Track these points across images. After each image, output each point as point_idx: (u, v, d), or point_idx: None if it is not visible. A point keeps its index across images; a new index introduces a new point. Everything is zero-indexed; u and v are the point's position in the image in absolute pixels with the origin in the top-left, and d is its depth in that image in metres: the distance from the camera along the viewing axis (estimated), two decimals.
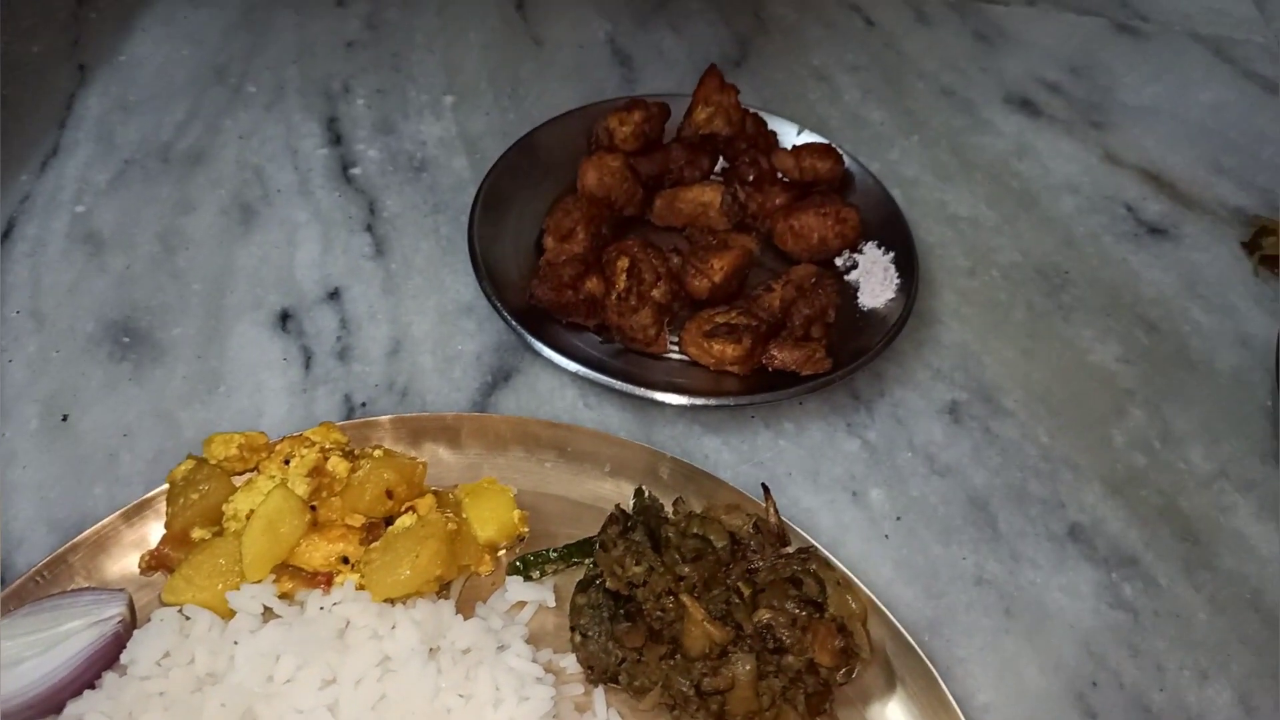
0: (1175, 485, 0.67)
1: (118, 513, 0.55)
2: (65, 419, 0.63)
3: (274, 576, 0.52)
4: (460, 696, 0.49)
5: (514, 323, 0.67)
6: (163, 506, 0.56)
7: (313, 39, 0.90)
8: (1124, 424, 0.70)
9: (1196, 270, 0.80)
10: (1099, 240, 0.82)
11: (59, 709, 0.48)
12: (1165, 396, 0.71)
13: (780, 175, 0.78)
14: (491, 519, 0.57)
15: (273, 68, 0.87)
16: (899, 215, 0.77)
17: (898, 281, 0.73)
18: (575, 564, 0.57)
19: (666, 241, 0.76)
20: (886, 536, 0.62)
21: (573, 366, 0.65)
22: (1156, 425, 0.70)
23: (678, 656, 0.52)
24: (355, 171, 0.80)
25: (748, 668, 0.51)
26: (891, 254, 0.75)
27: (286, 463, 0.56)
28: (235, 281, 0.71)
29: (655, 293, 0.67)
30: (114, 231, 0.73)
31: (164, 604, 0.51)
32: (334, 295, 0.71)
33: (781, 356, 0.66)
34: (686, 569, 0.52)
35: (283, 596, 0.52)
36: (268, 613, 0.51)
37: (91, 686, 0.48)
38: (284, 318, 0.70)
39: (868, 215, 0.76)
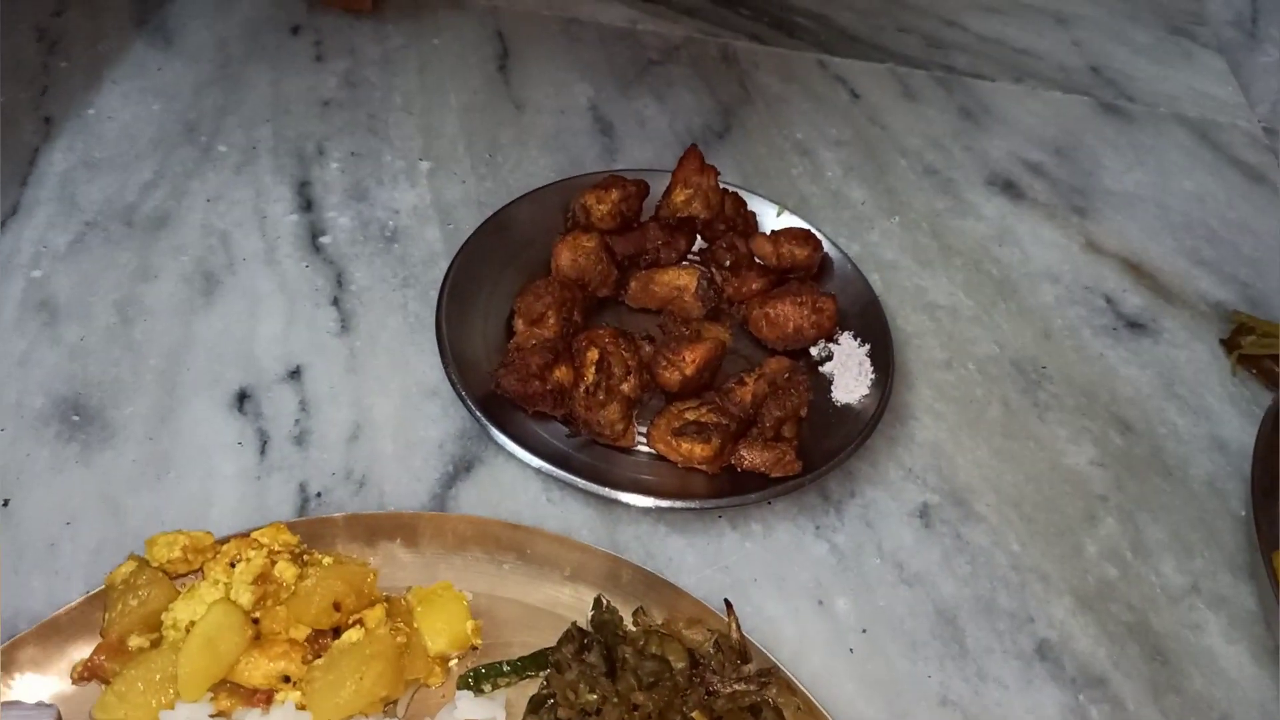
0: (1146, 600, 0.65)
1: (51, 615, 0.53)
2: (6, 504, 0.61)
3: (211, 694, 0.50)
4: None
5: (478, 413, 0.65)
6: (96, 611, 0.53)
7: (288, 96, 0.88)
8: (1096, 532, 0.68)
9: (1174, 368, 0.79)
10: (1078, 334, 0.81)
11: None
12: (1139, 503, 0.70)
13: (758, 260, 0.77)
14: (444, 629, 0.55)
15: (245, 126, 0.85)
16: (877, 305, 0.76)
17: (873, 376, 0.72)
18: (529, 677, 0.55)
19: (640, 323, 0.74)
20: (851, 650, 0.61)
21: (536, 462, 0.63)
22: (1129, 534, 0.69)
23: None
24: (325, 240, 0.78)
25: None
26: (868, 346, 0.74)
27: (232, 565, 0.54)
28: (193, 356, 0.69)
29: (624, 387, 0.66)
30: (70, 299, 0.71)
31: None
32: (295, 374, 0.69)
33: (751, 458, 0.65)
34: (641, 697, 0.51)
35: (219, 715, 0.50)
36: None
37: None
38: (241, 397, 0.68)
39: (845, 304, 0.75)
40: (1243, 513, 0.70)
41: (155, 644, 0.52)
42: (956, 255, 0.86)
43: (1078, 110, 1.02)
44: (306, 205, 0.80)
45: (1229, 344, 0.82)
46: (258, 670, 0.50)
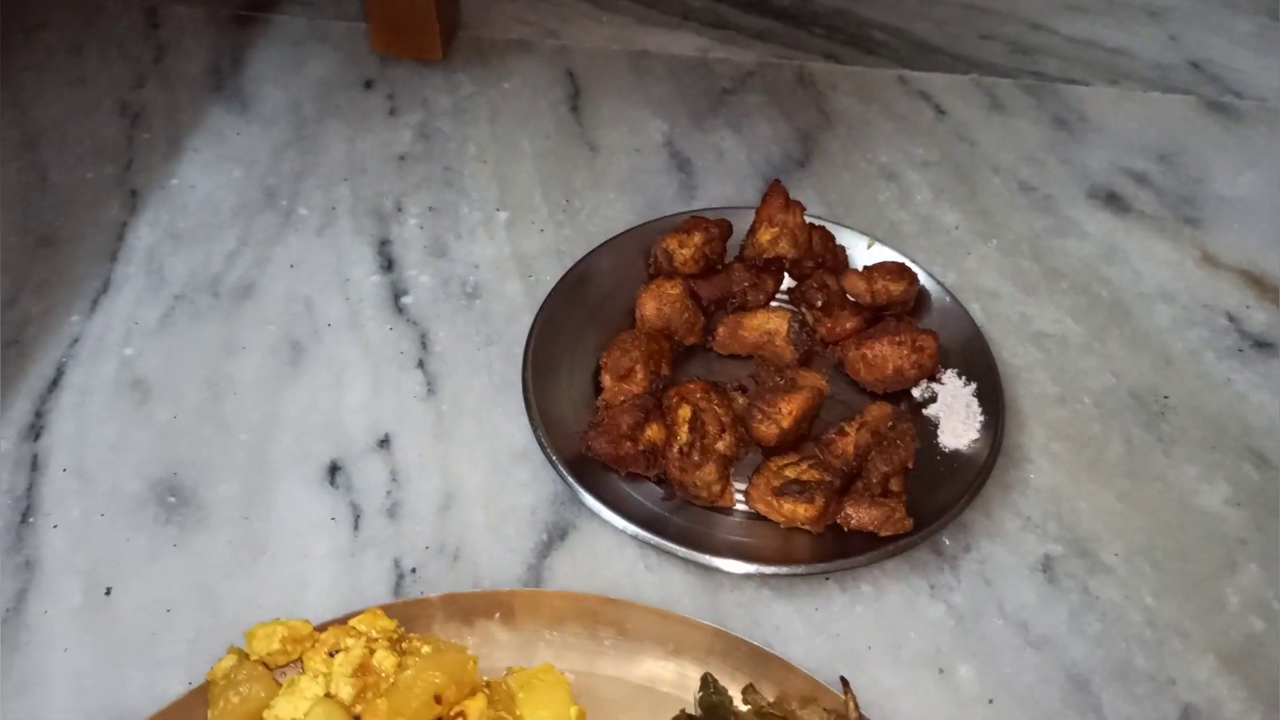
0: None
1: (157, 712, 0.53)
2: (108, 592, 0.61)
3: None
4: None
5: (569, 478, 0.63)
6: (198, 707, 0.53)
7: (364, 154, 0.88)
8: (1238, 581, 0.63)
9: None
10: (1200, 358, 0.76)
11: None
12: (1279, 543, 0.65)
13: (851, 298, 0.74)
14: (549, 714, 0.53)
15: (324, 187, 0.85)
16: (980, 338, 0.72)
17: (981, 418, 0.68)
18: None
19: (730, 370, 0.72)
20: None
21: (631, 529, 0.61)
22: (1275, 581, 0.63)
23: None
24: (407, 300, 0.77)
25: None
26: (973, 385, 0.70)
27: (331, 655, 0.53)
28: (282, 430, 0.69)
29: (720, 445, 0.63)
30: (161, 377, 0.72)
31: None
32: (384, 443, 0.68)
33: (858, 516, 0.61)
34: None
35: None
36: None
37: None
38: (332, 470, 0.67)
39: (946, 340, 0.71)
40: None
41: None
42: (1062, 278, 0.81)
43: (1180, 111, 0.96)
44: (387, 265, 0.80)
45: None
46: None
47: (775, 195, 0.75)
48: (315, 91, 0.94)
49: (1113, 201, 0.87)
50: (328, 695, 0.50)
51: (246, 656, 0.54)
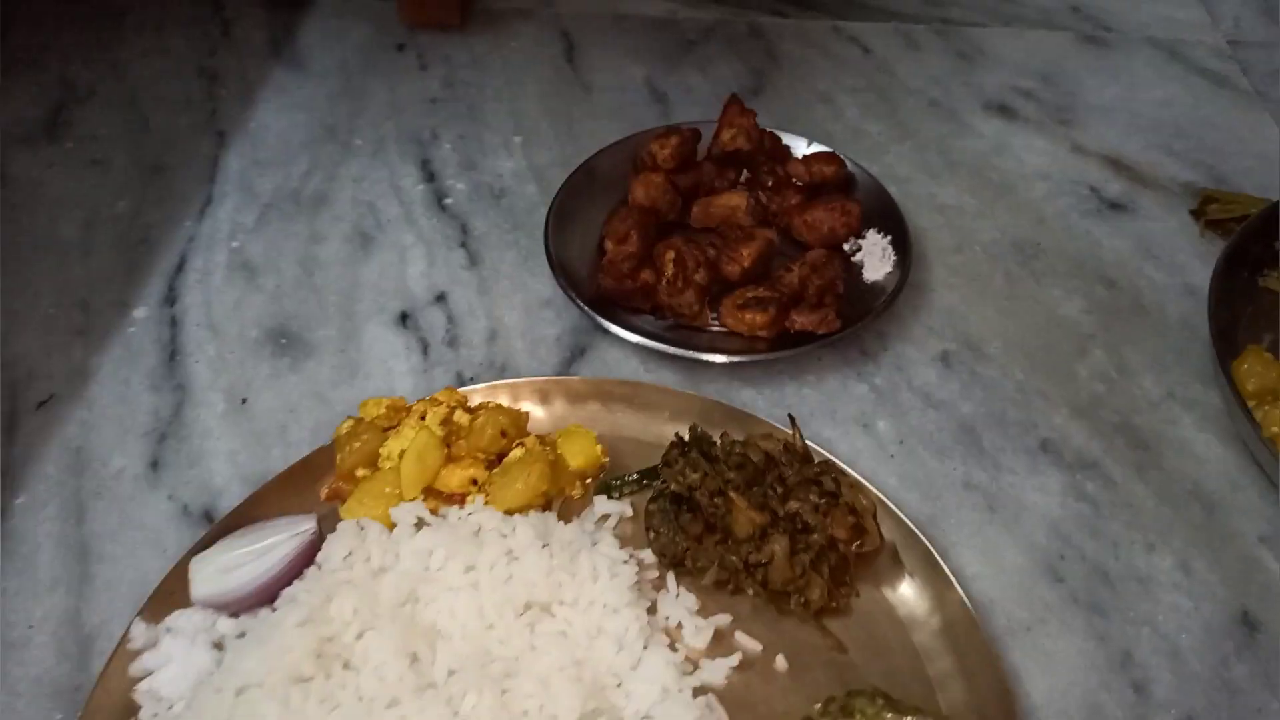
0: (1129, 406, 0.82)
1: (296, 461, 0.73)
2: (244, 402, 0.81)
3: (422, 497, 0.69)
4: (568, 574, 0.65)
5: (586, 309, 0.84)
6: (326, 459, 0.73)
7: (402, 99, 1.09)
8: (1087, 361, 0.85)
9: (1151, 236, 0.96)
10: (1067, 217, 0.98)
11: (273, 599, 0.65)
12: (1122, 338, 0.87)
13: (794, 180, 0.95)
14: (580, 453, 0.73)
15: (372, 124, 1.06)
16: (895, 206, 0.93)
17: (894, 259, 0.89)
18: (646, 486, 0.74)
19: (703, 240, 0.93)
20: (892, 456, 0.78)
21: (634, 338, 0.82)
22: (1114, 361, 0.85)
23: (729, 541, 0.68)
24: (448, 201, 0.98)
25: (782, 545, 0.67)
26: (889, 238, 0.91)
27: (423, 418, 0.73)
28: (362, 293, 0.90)
29: (697, 276, 0.84)
30: (263, 261, 0.92)
31: (342, 520, 0.68)
32: (440, 298, 0.89)
33: (801, 320, 0.83)
34: (732, 474, 0.69)
35: (430, 511, 0.69)
36: (420, 522, 0.68)
37: (298, 577, 0.66)
38: (403, 317, 0.88)
39: (868, 208, 0.93)
40: (1209, 338, 0.86)
41: (376, 472, 0.71)
42: (961, 167, 1.03)
43: (1060, 43, 1.19)
44: (430, 177, 1.01)
45: (1197, 213, 0.97)
46: (453, 479, 0.70)
47: (733, 104, 0.96)
48: (357, 54, 1.15)
49: (1003, 111, 1.09)
50: (427, 428, 0.71)
51: (362, 420, 0.74)
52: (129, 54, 1.14)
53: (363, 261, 0.93)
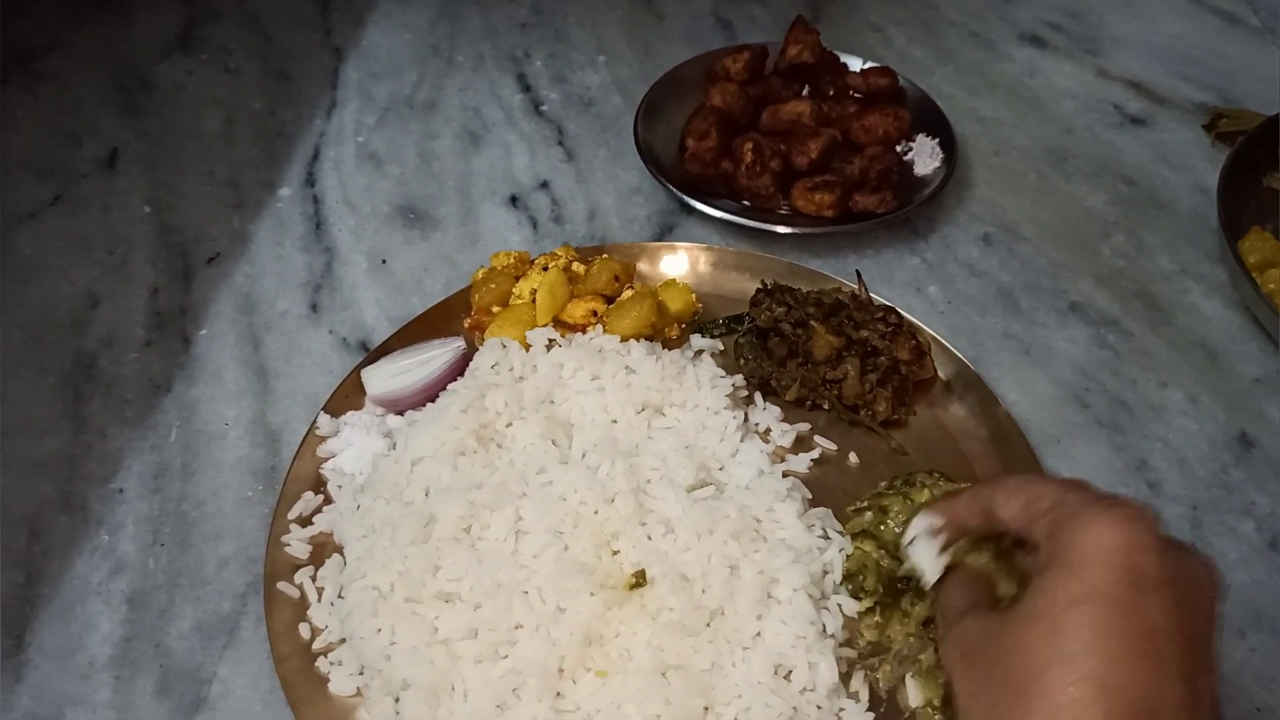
0: (1146, 277, 0.95)
1: (436, 303, 0.86)
2: (384, 262, 0.94)
3: (552, 325, 0.83)
4: (676, 383, 0.78)
5: (675, 190, 0.97)
6: (460, 302, 0.86)
7: (495, 23, 1.22)
8: (1109, 242, 0.98)
9: (1167, 146, 1.08)
10: (1092, 129, 1.10)
11: (434, 399, 0.79)
12: (1140, 225, 0.99)
13: (852, 91, 1.08)
14: (677, 298, 0.86)
15: (472, 43, 1.19)
16: (941, 114, 1.06)
17: (941, 157, 1.02)
18: (733, 330, 0.87)
19: (773, 142, 1.06)
20: (941, 313, 0.91)
21: (718, 214, 0.95)
22: (1133, 242, 0.98)
23: (808, 364, 0.81)
24: (544, 108, 1.11)
25: (855, 365, 0.80)
26: (937, 140, 1.04)
27: (545, 269, 0.87)
28: (475, 180, 1.03)
29: (773, 164, 0.97)
30: (386, 153, 1.05)
31: (487, 339, 0.82)
32: (544, 185, 1.02)
33: (863, 200, 0.95)
34: (812, 309, 0.82)
35: (559, 334, 0.82)
36: (551, 343, 0.81)
37: (453, 381, 0.79)
38: (513, 200, 1.01)
39: (917, 116, 1.05)
40: (1215, 225, 0.98)
41: (509, 308, 0.84)
42: (998, 87, 1.15)
43: None
44: (526, 89, 1.14)
45: (1208, 127, 1.10)
46: (577, 311, 0.83)
47: (798, 23, 1.09)
48: None
49: (1035, 41, 1.22)
50: (555, 269, 0.84)
51: (494, 268, 0.87)
52: None
53: (473, 155, 1.06)
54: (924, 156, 1.03)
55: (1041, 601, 0.47)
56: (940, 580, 0.60)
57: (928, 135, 1.05)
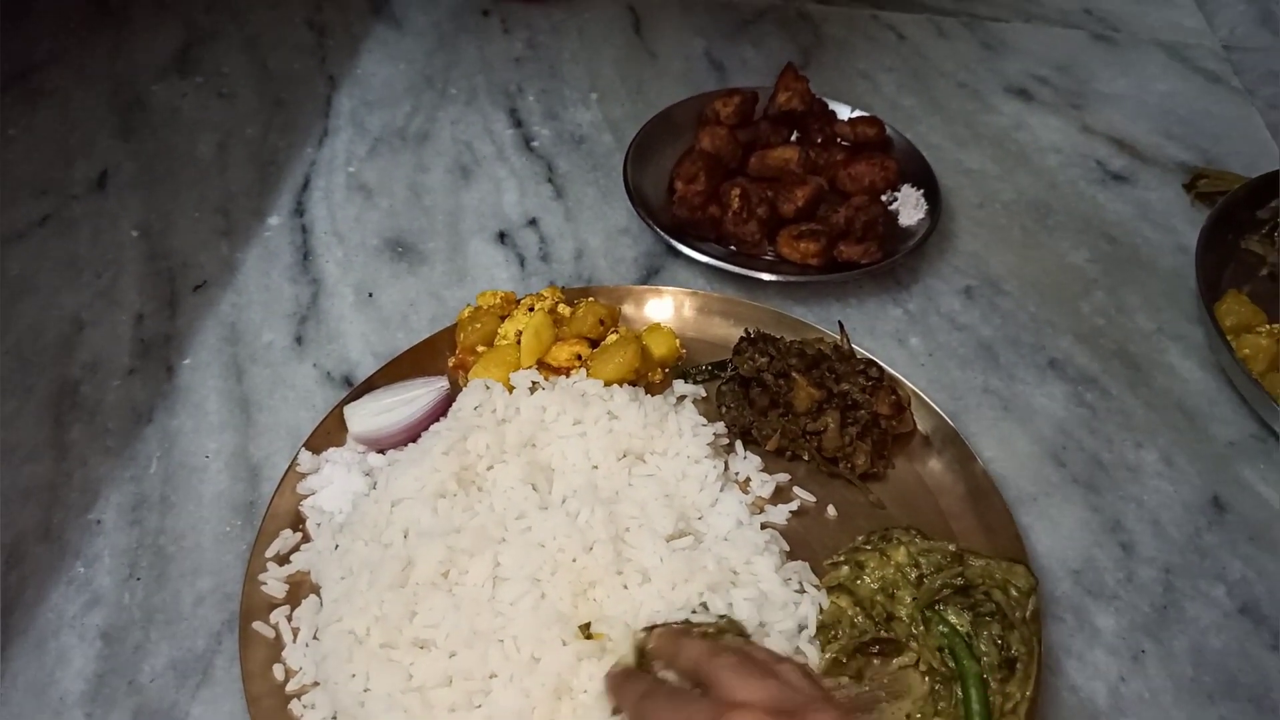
0: (1125, 336, 0.96)
1: (421, 340, 0.87)
2: (371, 295, 0.95)
3: (536, 367, 0.83)
4: (658, 430, 0.79)
5: (662, 233, 0.98)
6: (446, 340, 0.87)
7: (491, 57, 1.23)
8: (1090, 300, 0.99)
9: (1148, 203, 1.10)
10: (1076, 185, 1.12)
11: (415, 439, 0.79)
12: (1121, 283, 1.01)
13: (840, 139, 1.09)
14: (661, 344, 0.87)
15: (466, 76, 1.20)
16: (927, 165, 1.07)
17: (926, 208, 1.03)
18: (716, 375, 0.88)
19: (760, 186, 1.07)
20: (922, 365, 0.92)
21: (704, 259, 0.96)
22: (1113, 301, 0.99)
23: (789, 415, 0.82)
24: (535, 144, 1.12)
25: (835, 417, 0.81)
26: (922, 190, 1.05)
27: (531, 309, 0.87)
28: (465, 215, 1.03)
29: (759, 210, 0.98)
30: (377, 184, 1.06)
31: (471, 379, 0.82)
32: (532, 222, 1.03)
33: (847, 250, 0.96)
34: (794, 360, 0.83)
35: (543, 376, 0.83)
36: (534, 386, 0.81)
37: (435, 421, 0.79)
38: (501, 236, 1.01)
39: (903, 166, 1.07)
40: (1194, 286, 1.00)
41: (493, 348, 0.85)
42: (984, 139, 1.17)
43: (1075, 40, 1.33)
44: (518, 123, 1.14)
45: (1189, 186, 1.12)
46: (561, 354, 0.83)
47: (789, 70, 1.10)
48: (448, 16, 1.29)
49: (1022, 94, 1.24)
50: (541, 311, 0.85)
51: (480, 308, 0.88)
52: (243, 3, 1.28)
53: (463, 189, 1.06)
54: (909, 207, 1.04)
55: None
56: None
57: (913, 186, 1.06)
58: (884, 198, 1.06)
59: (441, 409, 0.80)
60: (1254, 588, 0.78)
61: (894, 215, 1.04)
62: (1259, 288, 0.99)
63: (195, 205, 1.02)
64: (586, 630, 0.66)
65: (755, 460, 0.82)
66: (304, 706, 0.66)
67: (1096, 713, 0.70)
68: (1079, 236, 1.06)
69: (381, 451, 0.79)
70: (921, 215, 1.03)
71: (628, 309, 0.92)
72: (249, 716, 0.65)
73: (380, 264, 0.98)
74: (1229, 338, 0.90)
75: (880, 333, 0.95)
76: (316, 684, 0.67)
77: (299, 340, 0.90)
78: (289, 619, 0.70)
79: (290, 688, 0.67)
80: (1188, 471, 0.85)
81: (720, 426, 0.83)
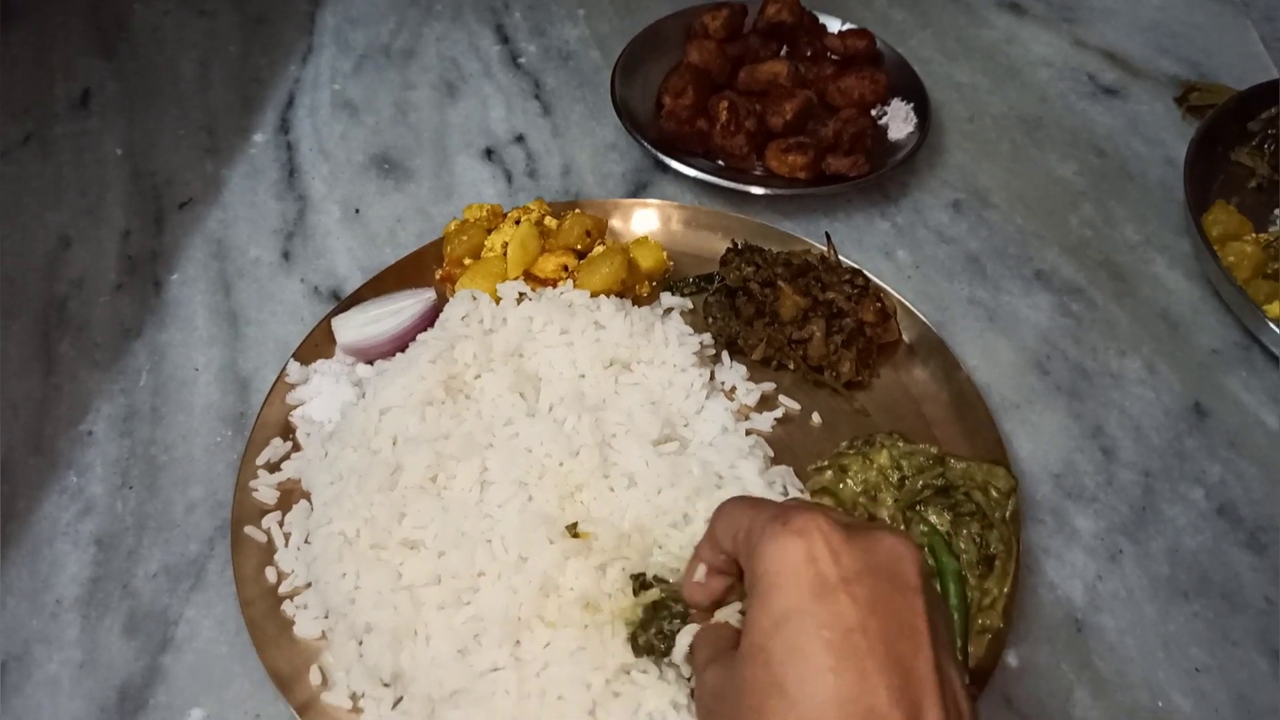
0: (1111, 248, 0.96)
1: (408, 254, 0.87)
2: (358, 212, 0.94)
3: (523, 278, 0.83)
4: (644, 339, 0.79)
5: (650, 148, 0.97)
6: (433, 254, 0.87)
7: None
8: (1078, 212, 0.99)
9: (1139, 117, 1.09)
10: (1066, 98, 1.11)
11: (403, 349, 0.79)
12: (1109, 196, 1.01)
13: (829, 53, 1.08)
14: (648, 256, 0.87)
15: None
16: (917, 79, 1.06)
17: (915, 122, 1.03)
18: (703, 288, 0.88)
19: (749, 102, 1.06)
20: (909, 277, 0.92)
21: (692, 172, 0.95)
22: (1101, 213, 0.99)
23: (775, 324, 0.82)
24: (522, 61, 1.11)
25: (820, 326, 0.81)
26: (911, 104, 1.04)
27: (517, 222, 0.87)
28: (451, 132, 1.03)
29: (748, 123, 0.97)
30: (362, 101, 1.05)
31: (458, 290, 0.82)
32: (519, 139, 1.02)
33: (835, 164, 0.96)
34: (780, 269, 0.83)
35: (530, 287, 0.83)
36: (521, 297, 0.82)
37: (423, 332, 0.79)
38: (488, 153, 1.01)
39: (893, 80, 1.06)
40: (1182, 198, 0.99)
41: (480, 260, 0.85)
42: (975, 53, 1.16)
43: None
44: (505, 40, 1.13)
45: (1180, 100, 1.11)
46: (548, 265, 0.83)
47: None
48: None
49: (1014, 8, 1.22)
50: (527, 221, 0.84)
51: (466, 221, 0.88)
52: None
53: (449, 106, 1.05)
54: (898, 121, 1.03)
55: (750, 636, 0.46)
56: None
57: (903, 99, 1.05)
58: (873, 112, 1.05)
59: (429, 320, 0.81)
60: (1232, 490, 0.79)
61: (883, 129, 1.03)
62: (1247, 199, 0.99)
63: (179, 123, 1.01)
64: (573, 530, 0.67)
65: (741, 369, 0.82)
66: (296, 607, 0.67)
67: (1073, 609, 0.72)
68: (1068, 150, 1.05)
69: (370, 362, 0.79)
70: (911, 129, 1.02)
71: (615, 223, 0.92)
72: (243, 619, 0.66)
73: (366, 181, 0.97)
74: (1215, 247, 0.91)
75: (867, 245, 0.95)
76: (309, 585, 0.68)
77: (286, 256, 0.90)
78: (280, 524, 0.71)
79: (282, 589, 0.68)
80: (1170, 379, 0.86)
81: (707, 337, 0.83)
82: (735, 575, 0.55)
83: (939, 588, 0.68)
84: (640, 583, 0.65)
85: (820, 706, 0.43)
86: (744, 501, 0.53)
